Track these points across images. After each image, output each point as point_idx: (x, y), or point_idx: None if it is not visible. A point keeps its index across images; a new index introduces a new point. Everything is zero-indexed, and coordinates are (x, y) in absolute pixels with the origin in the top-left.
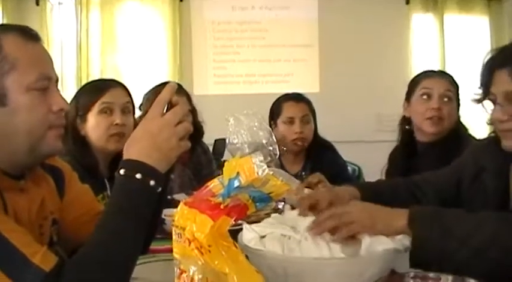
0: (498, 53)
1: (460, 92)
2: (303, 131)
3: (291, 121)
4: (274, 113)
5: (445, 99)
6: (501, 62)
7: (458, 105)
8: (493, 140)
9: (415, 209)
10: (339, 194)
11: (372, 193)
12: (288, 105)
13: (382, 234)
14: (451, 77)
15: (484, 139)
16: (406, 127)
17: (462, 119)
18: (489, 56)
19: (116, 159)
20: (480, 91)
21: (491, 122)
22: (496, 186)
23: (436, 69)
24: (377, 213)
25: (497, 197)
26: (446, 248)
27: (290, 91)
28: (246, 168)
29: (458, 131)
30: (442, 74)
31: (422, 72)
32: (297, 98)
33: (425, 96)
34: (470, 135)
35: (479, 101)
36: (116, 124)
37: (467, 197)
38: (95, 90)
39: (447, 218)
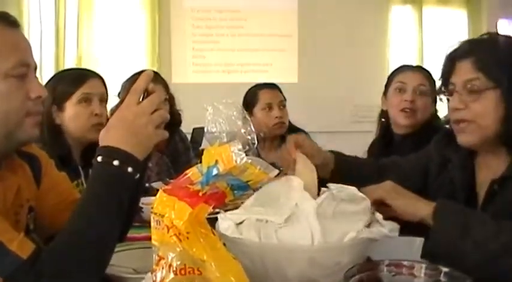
0: (462, 45)
1: (435, 88)
2: (282, 115)
3: (269, 107)
4: (250, 103)
5: (418, 93)
6: (466, 52)
7: (435, 99)
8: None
9: (443, 202)
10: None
11: (342, 162)
12: (264, 92)
13: (404, 212)
14: (427, 72)
15: (448, 130)
16: (382, 120)
17: (440, 113)
18: (452, 48)
19: (89, 147)
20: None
21: (449, 111)
22: (462, 180)
23: (414, 64)
24: (403, 195)
25: (464, 191)
26: (461, 248)
27: (268, 81)
28: (225, 156)
29: (433, 123)
30: (418, 69)
31: (399, 67)
32: (271, 85)
33: (398, 90)
34: (445, 129)
35: (438, 92)
36: (96, 114)
37: (434, 188)
38: (75, 79)
39: (470, 219)
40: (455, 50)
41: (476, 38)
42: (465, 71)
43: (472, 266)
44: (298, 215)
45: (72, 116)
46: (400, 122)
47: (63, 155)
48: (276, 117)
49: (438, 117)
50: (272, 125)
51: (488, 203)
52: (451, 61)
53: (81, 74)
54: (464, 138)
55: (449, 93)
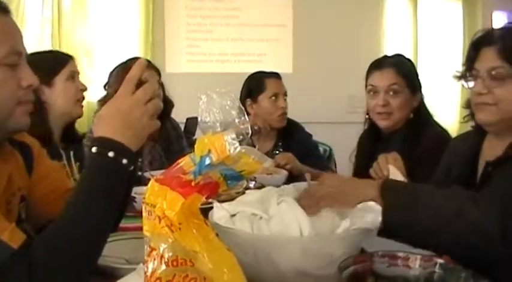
0: (488, 33)
1: (413, 78)
2: (285, 107)
3: (276, 97)
4: (255, 89)
5: (391, 93)
6: (490, 40)
7: (415, 90)
8: (467, 132)
9: (387, 180)
10: None
11: None
12: (272, 81)
13: (353, 206)
14: (402, 63)
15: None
16: (366, 117)
17: (430, 103)
18: (478, 35)
19: (69, 128)
20: (461, 69)
21: (472, 95)
22: (462, 170)
23: (409, 55)
24: (347, 185)
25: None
26: (416, 218)
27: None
28: (218, 145)
29: (419, 116)
30: (388, 66)
31: (372, 64)
32: (278, 75)
33: (371, 93)
34: (433, 120)
35: (460, 77)
36: (81, 90)
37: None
38: (61, 57)
39: (419, 190)
40: (481, 37)
41: (502, 27)
42: (489, 58)
43: (426, 233)
44: (284, 206)
45: (61, 91)
46: (378, 124)
47: (46, 134)
48: (282, 107)
49: (425, 109)
50: (277, 115)
51: (483, 185)
52: (476, 47)
53: (64, 54)
54: (483, 116)
55: (473, 78)
